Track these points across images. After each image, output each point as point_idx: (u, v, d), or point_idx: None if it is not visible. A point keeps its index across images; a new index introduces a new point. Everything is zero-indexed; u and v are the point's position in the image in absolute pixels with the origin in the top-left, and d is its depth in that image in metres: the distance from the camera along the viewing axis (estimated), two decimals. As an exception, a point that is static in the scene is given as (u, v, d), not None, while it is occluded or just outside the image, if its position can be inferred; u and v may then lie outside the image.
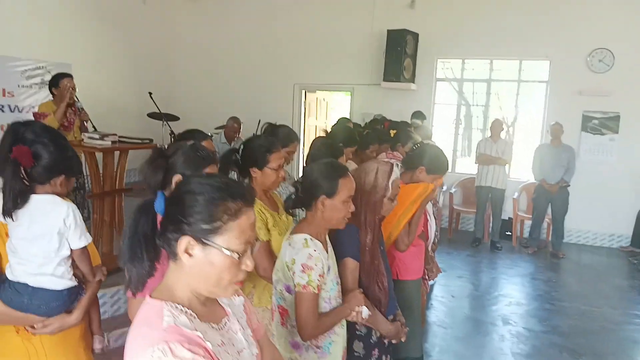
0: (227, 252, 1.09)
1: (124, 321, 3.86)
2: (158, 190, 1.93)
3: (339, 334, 2.02)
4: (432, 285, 5.35)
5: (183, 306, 1.12)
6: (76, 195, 4.71)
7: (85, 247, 1.97)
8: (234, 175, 2.57)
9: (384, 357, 2.36)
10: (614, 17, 6.91)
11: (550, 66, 7.40)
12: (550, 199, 6.69)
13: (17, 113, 6.62)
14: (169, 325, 1.05)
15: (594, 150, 7.22)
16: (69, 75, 4.86)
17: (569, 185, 6.63)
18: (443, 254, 6.53)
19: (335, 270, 2.02)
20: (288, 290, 1.91)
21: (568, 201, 6.65)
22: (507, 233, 7.34)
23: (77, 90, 4.88)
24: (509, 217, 7.36)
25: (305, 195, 1.99)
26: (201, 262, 1.10)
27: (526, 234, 7.35)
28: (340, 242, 2.20)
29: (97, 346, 2.13)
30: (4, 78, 6.40)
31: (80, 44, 7.35)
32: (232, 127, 6.83)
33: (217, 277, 1.11)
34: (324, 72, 8.43)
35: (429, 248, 3.39)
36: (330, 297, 1.96)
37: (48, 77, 6.87)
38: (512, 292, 5.41)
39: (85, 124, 4.90)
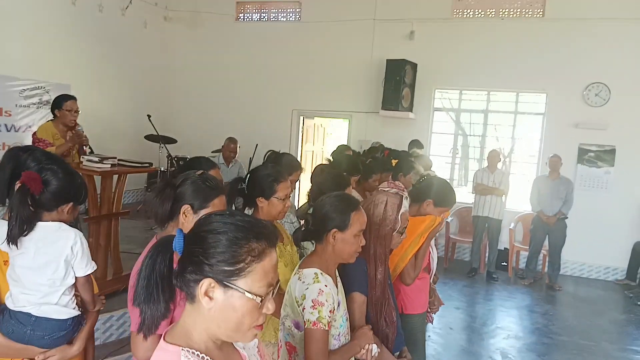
0: (250, 296, 1.05)
1: (116, 349, 3.78)
2: (165, 220, 1.91)
3: (348, 371, 1.96)
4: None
5: (200, 352, 1.07)
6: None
7: (89, 275, 1.94)
8: (239, 204, 2.54)
9: (389, 395, 2.30)
10: (610, 52, 7.04)
11: (547, 99, 7.49)
12: (548, 230, 6.69)
13: (14, 132, 6.58)
14: None
15: (590, 183, 7.27)
16: (73, 98, 4.73)
17: (567, 218, 6.65)
18: (439, 284, 6.43)
19: (344, 306, 1.98)
20: (297, 326, 1.86)
21: (566, 233, 6.66)
22: (503, 263, 7.31)
23: (79, 113, 4.81)
24: (505, 248, 7.35)
25: (316, 228, 1.96)
26: (221, 305, 1.05)
27: (522, 265, 7.32)
28: (348, 276, 2.16)
29: None
30: (2, 97, 6.37)
31: (79, 65, 7.37)
32: (228, 147, 6.80)
33: (237, 322, 1.06)
34: (323, 99, 8.49)
35: (431, 280, 3.36)
36: (339, 333, 1.92)
37: (47, 97, 6.90)
38: (510, 325, 5.36)
39: (84, 147, 4.80)
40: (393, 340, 2.25)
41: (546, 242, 6.84)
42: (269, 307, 1.09)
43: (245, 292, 1.04)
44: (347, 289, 2.14)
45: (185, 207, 1.85)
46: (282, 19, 8.76)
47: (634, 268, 6.92)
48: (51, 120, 4.71)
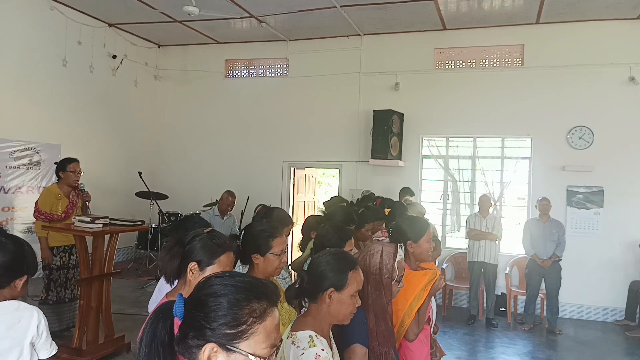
0: (254, 359, 1.02)
1: None
2: (174, 277, 1.89)
3: None
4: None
5: None
6: (59, 274, 4.60)
7: (52, 357, 1.86)
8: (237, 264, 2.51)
9: None
10: (590, 96, 7.26)
11: (532, 143, 7.64)
12: (544, 274, 6.67)
13: (3, 194, 6.56)
14: None
15: (581, 224, 7.31)
16: (76, 160, 4.99)
17: (561, 260, 6.65)
18: (439, 333, 6.34)
19: None
20: None
21: (561, 275, 6.64)
22: (501, 309, 7.22)
23: (82, 174, 4.96)
24: (502, 293, 7.28)
25: (311, 287, 1.91)
26: None
27: (520, 310, 7.23)
28: (348, 328, 2.11)
29: None
30: (-7, 159, 6.38)
31: (70, 125, 7.44)
32: (227, 200, 6.86)
33: None
34: (313, 150, 8.59)
35: (431, 330, 3.30)
36: None
37: (37, 158, 6.94)
38: (514, 374, 5.24)
39: (87, 204, 4.95)
40: (397, 394, 2.19)
41: (543, 286, 6.80)
42: None
43: (249, 355, 1.02)
44: (347, 341, 2.10)
45: (192, 265, 1.86)
46: (270, 74, 8.97)
47: (632, 308, 6.86)
48: (55, 182, 4.98)
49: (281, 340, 1.13)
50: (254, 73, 9.09)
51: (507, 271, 7.29)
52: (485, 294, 7.04)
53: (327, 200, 5.07)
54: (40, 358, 1.81)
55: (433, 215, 8.12)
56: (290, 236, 5.10)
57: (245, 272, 2.47)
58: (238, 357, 1.03)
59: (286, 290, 2.13)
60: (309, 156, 8.68)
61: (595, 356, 5.83)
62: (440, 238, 8.01)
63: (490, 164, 7.97)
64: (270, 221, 2.69)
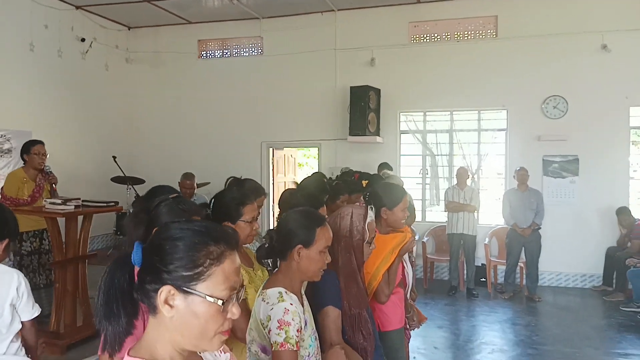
0: (211, 300, 1.01)
1: None
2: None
3: (321, 392, 1.88)
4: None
5: None
6: (31, 260, 4.51)
7: (34, 319, 1.83)
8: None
9: (373, 414, 2.22)
10: (563, 65, 7.30)
11: (508, 114, 7.68)
12: (524, 242, 6.76)
13: (-27, 183, 6.36)
14: None
15: (557, 193, 7.41)
16: (40, 142, 4.86)
17: (540, 228, 6.74)
18: (420, 304, 6.35)
19: (312, 325, 1.91)
20: (264, 350, 1.78)
21: (541, 243, 6.74)
22: (481, 279, 7.32)
23: (47, 156, 4.84)
24: (482, 264, 7.37)
25: (280, 245, 1.90)
26: (183, 312, 1.02)
27: (500, 279, 7.34)
28: (320, 290, 2.11)
29: None
30: (-39, 148, 6.20)
31: (41, 111, 7.26)
32: (184, 184, 6.21)
33: (201, 328, 1.02)
34: (291, 130, 8.52)
35: (408, 296, 3.31)
36: (309, 354, 1.84)
37: (7, 145, 6.77)
38: (494, 339, 5.31)
39: (54, 186, 4.83)
40: (372, 353, 2.19)
41: (522, 255, 6.90)
42: (234, 311, 1.06)
43: (206, 296, 1.01)
44: (320, 304, 2.09)
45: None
46: (244, 54, 8.84)
47: (609, 273, 7.00)
48: (22, 166, 4.82)
49: (242, 285, 1.10)
50: (228, 53, 8.94)
51: (486, 242, 7.37)
52: (465, 265, 7.13)
53: (307, 176, 5.04)
54: (22, 320, 1.78)
55: (412, 190, 8.14)
56: (265, 209, 5.05)
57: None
58: (195, 299, 1.01)
59: (257, 251, 2.11)
60: (288, 136, 8.61)
61: (574, 320, 5.95)
62: (420, 212, 8.07)
63: (468, 137, 8.00)
64: (241, 189, 2.64)
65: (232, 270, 1.06)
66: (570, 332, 5.50)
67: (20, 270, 4.50)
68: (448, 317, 6.06)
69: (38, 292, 4.59)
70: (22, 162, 4.88)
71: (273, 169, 8.89)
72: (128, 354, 1.04)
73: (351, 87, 7.74)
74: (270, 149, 8.82)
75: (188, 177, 6.44)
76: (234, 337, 2.16)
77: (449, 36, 7.96)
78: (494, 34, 7.73)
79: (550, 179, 7.43)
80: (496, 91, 7.60)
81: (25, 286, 1.79)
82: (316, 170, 8.13)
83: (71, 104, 7.83)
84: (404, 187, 5.36)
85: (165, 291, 1.01)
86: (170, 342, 1.05)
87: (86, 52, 8.15)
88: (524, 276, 7.05)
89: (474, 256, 7.06)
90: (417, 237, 7.65)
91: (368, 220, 2.26)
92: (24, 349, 1.78)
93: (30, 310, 1.82)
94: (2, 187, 4.64)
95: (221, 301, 1.02)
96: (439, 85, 7.81)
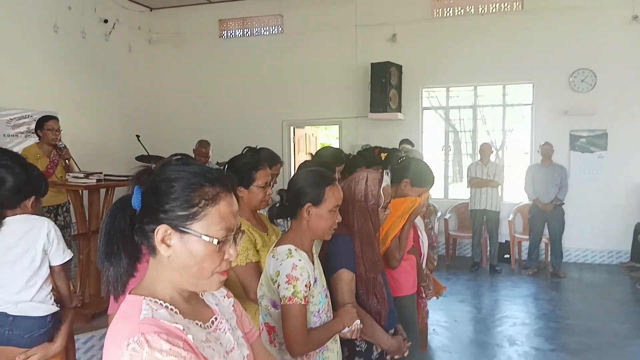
0: (206, 239, 1.03)
1: None
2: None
3: (332, 349, 1.90)
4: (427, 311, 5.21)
5: (164, 302, 1.06)
6: (63, 233, 4.64)
7: (64, 265, 1.90)
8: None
9: (386, 374, 2.23)
10: (592, 38, 7.07)
11: (534, 89, 7.50)
12: (546, 218, 6.65)
13: (4, 162, 6.54)
14: (146, 317, 0.99)
15: (584, 169, 7.23)
16: (54, 118, 4.89)
17: (564, 204, 6.61)
18: (442, 280, 6.32)
19: (323, 282, 1.92)
20: (274, 305, 1.81)
21: (564, 219, 6.62)
22: (505, 256, 7.23)
23: (61, 132, 4.89)
24: (505, 240, 7.27)
25: (290, 204, 1.91)
26: (180, 251, 1.04)
27: (524, 256, 7.25)
28: (334, 254, 2.12)
29: None
30: (-11, 127, 6.38)
31: (66, 92, 7.38)
32: (199, 151, 6.40)
33: (198, 267, 1.05)
34: (312, 108, 8.49)
35: (424, 265, 3.30)
36: (319, 310, 1.86)
37: (34, 126, 6.91)
38: (516, 313, 5.26)
39: (67, 162, 4.86)
40: (386, 317, 2.19)
41: (546, 231, 6.79)
42: (231, 252, 1.08)
43: (202, 236, 1.03)
44: (334, 267, 2.10)
45: None
46: (264, 32, 8.81)
47: (638, 249, 6.84)
48: (36, 142, 4.86)
49: (240, 228, 1.11)
50: (249, 32, 8.92)
51: (510, 218, 7.26)
52: (488, 241, 7.05)
53: (323, 147, 5.03)
54: (53, 264, 1.85)
55: (434, 167, 8.05)
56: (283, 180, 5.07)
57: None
58: (191, 238, 1.03)
59: (269, 210, 2.12)
60: (308, 114, 8.59)
61: (599, 295, 5.85)
62: (442, 189, 8.00)
63: (492, 112, 7.85)
64: (254, 155, 2.66)
65: (228, 212, 1.07)
66: (595, 306, 5.41)
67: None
68: (470, 292, 6.02)
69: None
70: (38, 138, 4.95)
71: (294, 148, 8.90)
72: (129, 293, 1.07)
73: (372, 64, 7.65)
74: (292, 128, 8.82)
75: (203, 144, 6.55)
76: (248, 298, 2.19)
77: (472, 9, 7.77)
78: (520, 6, 7.51)
79: (577, 154, 7.25)
80: (522, 65, 7.40)
81: (56, 233, 1.87)
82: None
83: (95, 85, 7.95)
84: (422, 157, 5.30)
85: (161, 230, 1.03)
86: (169, 281, 1.07)
87: (109, 33, 8.24)
88: (549, 252, 6.94)
89: (497, 232, 6.97)
90: (439, 214, 7.61)
91: (383, 185, 2.24)
92: (52, 299, 1.85)
93: (61, 255, 1.90)
94: None
95: (217, 240, 1.04)
96: (463, 60, 7.65)
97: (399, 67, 7.79)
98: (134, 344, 0.93)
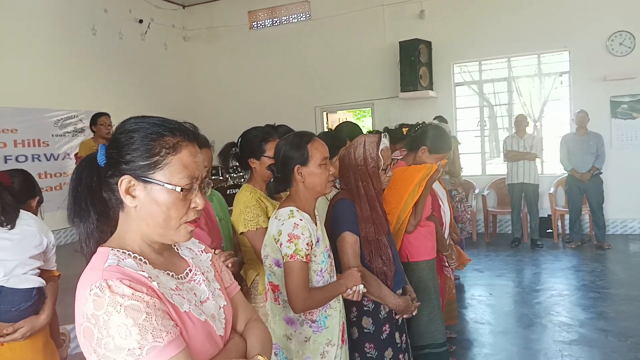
0: (170, 187, 1.04)
1: None
2: None
3: (335, 307, 1.97)
4: (461, 285, 5.18)
5: (132, 252, 1.07)
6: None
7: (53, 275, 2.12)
8: (235, 167, 2.62)
9: (396, 335, 2.28)
10: (629, -1, 6.75)
11: (570, 56, 7.24)
12: (584, 188, 6.43)
13: (54, 161, 6.98)
14: (111, 265, 1.01)
15: (627, 136, 6.93)
16: (106, 114, 5.31)
17: (601, 173, 6.37)
18: (481, 257, 6.35)
19: (326, 243, 1.98)
20: (277, 264, 1.88)
21: (602, 189, 6.39)
22: (547, 231, 7.05)
23: (113, 127, 5.22)
24: (548, 215, 7.09)
25: (282, 174, 1.95)
26: (145, 201, 1.05)
27: (567, 230, 7.04)
28: (337, 218, 2.19)
29: (62, 354, 2.21)
30: (38, 129, 6.79)
31: (106, 92, 7.74)
32: None
33: (164, 216, 1.06)
34: (343, 92, 8.52)
35: (446, 235, 3.30)
36: (322, 269, 1.92)
37: (80, 126, 7.32)
38: (555, 285, 5.15)
39: None
40: (392, 277, 2.24)
41: (586, 202, 6.57)
42: (197, 202, 1.09)
43: (165, 184, 1.04)
44: (338, 230, 2.17)
45: None
46: (293, 20, 8.90)
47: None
48: (91, 137, 5.50)
49: (204, 176, 1.12)
50: (277, 21, 9.04)
51: (551, 191, 7.07)
52: (528, 216, 6.89)
53: (343, 122, 5.04)
54: (48, 267, 2.07)
55: (470, 143, 7.95)
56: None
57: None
58: (155, 187, 1.05)
59: (266, 188, 2.20)
60: (340, 98, 8.63)
61: (644, 265, 5.63)
62: (479, 165, 7.87)
63: (527, 83, 7.63)
64: (266, 127, 2.75)
65: (190, 161, 1.08)
66: (638, 276, 5.22)
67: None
68: (508, 267, 5.93)
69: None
70: (92, 133, 5.39)
71: (329, 133, 8.95)
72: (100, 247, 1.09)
73: (400, 42, 7.60)
74: (324, 114, 8.89)
75: None
76: (259, 261, 2.30)
77: (502, -21, 7.55)
78: (552, -30, 7.24)
79: (619, 121, 6.96)
80: (556, 32, 7.15)
81: (53, 240, 2.09)
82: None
83: (134, 84, 8.30)
84: (453, 137, 5.25)
85: (125, 181, 1.04)
86: (138, 232, 1.08)
87: (145, 32, 8.56)
88: (592, 225, 6.72)
89: (537, 206, 6.80)
90: (477, 191, 7.50)
91: (382, 147, 2.27)
92: (38, 273, 2.00)
93: (54, 263, 2.10)
94: (75, 154, 5.22)
95: (179, 188, 1.05)
96: (494, 32, 7.47)
97: (428, 44, 7.70)
98: (95, 289, 0.96)
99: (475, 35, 7.60)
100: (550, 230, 7.05)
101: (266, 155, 2.45)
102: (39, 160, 6.75)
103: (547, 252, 6.46)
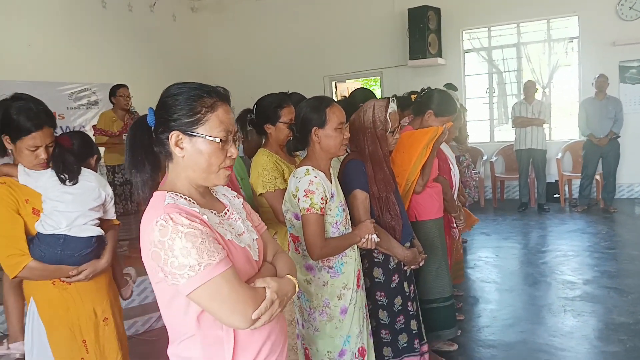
0: (211, 139, 1.26)
1: (150, 308, 4.05)
2: None
3: (351, 255, 2.14)
4: (468, 247, 5.34)
5: (183, 195, 1.29)
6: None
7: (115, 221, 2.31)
8: (252, 132, 2.76)
9: (405, 284, 2.45)
10: (640, -41, 6.67)
11: (580, 21, 7.21)
12: (602, 153, 6.49)
13: (70, 133, 7.12)
14: (169, 203, 1.24)
15: (636, 101, 6.95)
16: (124, 86, 5.43)
17: (619, 137, 6.42)
18: (488, 221, 6.49)
19: (341, 198, 2.14)
20: (296, 217, 2.06)
21: (619, 153, 6.45)
22: (554, 196, 7.16)
23: (131, 98, 5.39)
24: (555, 180, 7.19)
25: (300, 134, 2.12)
26: (191, 152, 1.27)
27: (575, 194, 7.14)
28: (348, 177, 2.34)
29: (126, 293, 2.42)
30: (54, 102, 6.86)
31: (117, 64, 7.82)
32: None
33: (207, 163, 1.27)
34: (352, 61, 8.55)
35: (455, 196, 3.44)
36: (337, 222, 2.08)
37: (94, 98, 7.44)
38: (560, 247, 5.29)
39: None
40: (400, 232, 2.40)
41: (599, 167, 6.64)
42: (232, 151, 1.31)
43: (206, 137, 1.26)
44: (349, 188, 2.32)
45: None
46: (301, -12, 8.86)
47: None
48: (110, 108, 5.54)
49: (237, 130, 1.34)
50: (286, -10, 9.02)
51: (558, 157, 7.14)
52: (535, 181, 6.99)
53: (359, 88, 5.13)
54: (108, 217, 2.25)
55: (479, 110, 8.01)
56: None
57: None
58: (198, 140, 1.26)
59: (286, 145, 2.35)
60: (349, 67, 8.66)
61: (649, 227, 5.75)
62: (488, 132, 7.94)
63: (537, 49, 7.62)
64: (280, 94, 2.86)
65: (225, 117, 1.29)
66: (643, 236, 5.35)
67: (114, 199, 5.20)
68: (515, 230, 6.08)
69: (128, 217, 5.24)
70: (111, 105, 5.51)
71: (338, 103, 9.02)
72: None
73: (409, 9, 7.59)
74: (333, 83, 8.95)
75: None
76: (277, 220, 2.47)
77: (511, -58, 7.46)
78: None
79: (628, 86, 6.97)
80: (566, -4, 7.11)
81: (111, 191, 2.27)
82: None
83: (144, 55, 8.37)
84: (461, 105, 5.33)
85: (174, 135, 1.26)
86: (186, 178, 1.30)
87: (154, 4, 8.58)
88: (600, 189, 6.81)
89: (545, 172, 6.89)
90: (485, 157, 7.60)
91: (390, 111, 2.40)
92: (97, 223, 2.17)
93: (113, 213, 2.27)
94: (94, 125, 5.36)
95: (219, 139, 1.27)
96: (503, -3, 7.43)
97: (437, 10, 7.68)
98: (161, 221, 1.19)
99: (484, 0, 7.56)
100: (557, 195, 7.16)
101: (282, 121, 2.58)
102: (55, 133, 6.88)
103: (553, 216, 6.59)
